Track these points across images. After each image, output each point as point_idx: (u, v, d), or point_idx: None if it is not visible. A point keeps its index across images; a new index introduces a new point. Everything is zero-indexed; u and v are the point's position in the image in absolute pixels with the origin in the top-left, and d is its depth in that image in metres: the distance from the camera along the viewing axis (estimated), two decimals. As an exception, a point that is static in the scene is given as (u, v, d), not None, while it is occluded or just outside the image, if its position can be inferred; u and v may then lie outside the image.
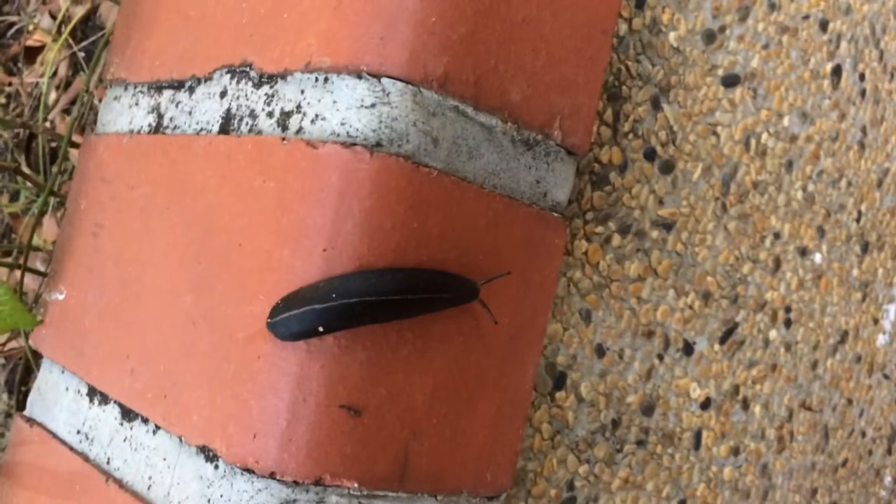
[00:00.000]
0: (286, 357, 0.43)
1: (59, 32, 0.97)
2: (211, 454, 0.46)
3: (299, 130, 0.47)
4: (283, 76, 0.48)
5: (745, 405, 0.74)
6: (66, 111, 0.95)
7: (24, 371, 0.80)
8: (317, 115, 0.46)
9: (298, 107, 0.47)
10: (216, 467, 0.45)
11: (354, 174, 0.43)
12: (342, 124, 0.45)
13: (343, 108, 0.45)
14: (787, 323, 0.77)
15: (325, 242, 0.43)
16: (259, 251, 0.45)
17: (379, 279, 0.42)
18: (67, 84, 0.97)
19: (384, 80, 0.44)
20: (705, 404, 0.71)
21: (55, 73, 0.97)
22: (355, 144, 0.44)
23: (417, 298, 0.43)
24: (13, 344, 0.87)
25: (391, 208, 0.44)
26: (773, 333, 0.75)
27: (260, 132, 0.49)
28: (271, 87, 0.49)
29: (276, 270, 0.44)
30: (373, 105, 0.44)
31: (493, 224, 0.48)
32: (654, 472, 0.67)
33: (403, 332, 0.45)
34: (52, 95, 0.97)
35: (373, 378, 0.44)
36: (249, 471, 0.43)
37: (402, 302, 0.42)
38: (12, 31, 1.10)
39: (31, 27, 1.03)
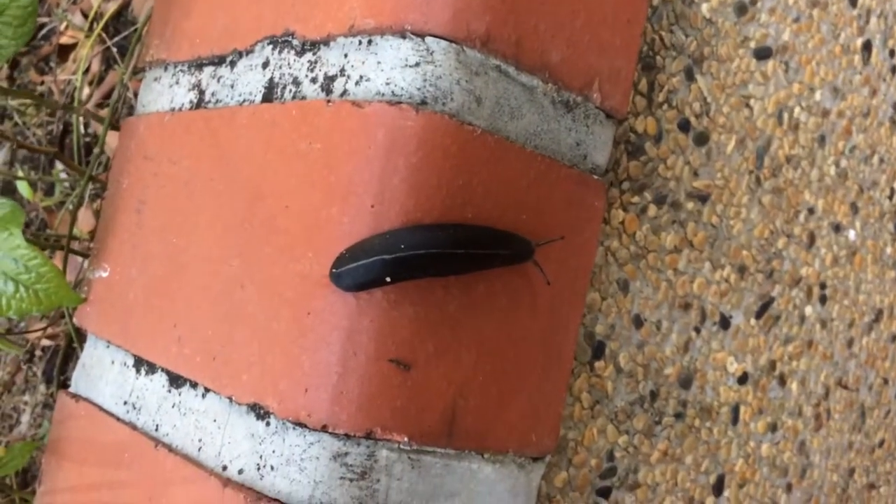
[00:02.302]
0: (336, 312, 0.44)
1: (90, 29, 0.99)
2: (262, 412, 0.46)
3: (344, 93, 0.47)
4: (326, 42, 0.49)
5: (782, 381, 0.74)
6: (100, 105, 0.97)
7: (63, 360, 0.81)
8: (361, 77, 0.47)
9: (342, 70, 0.48)
10: (267, 424, 0.46)
11: (401, 131, 0.44)
12: (387, 84, 0.46)
13: (388, 67, 0.46)
14: (823, 299, 0.77)
15: (373, 198, 0.44)
16: (307, 211, 0.46)
17: (444, 232, 0.43)
18: (100, 79, 0.98)
19: (428, 39, 0.45)
20: (742, 379, 0.70)
21: (88, 69, 0.98)
22: (401, 102, 0.45)
23: (479, 253, 0.44)
24: (51, 330, 0.89)
25: (437, 165, 0.44)
26: (808, 309, 0.75)
27: (304, 97, 0.50)
28: (314, 54, 0.50)
29: (324, 228, 0.45)
30: (417, 64, 0.45)
31: (536, 184, 0.48)
32: (692, 445, 0.67)
33: (450, 289, 0.46)
34: (86, 91, 0.99)
35: (421, 333, 0.45)
36: (301, 425, 0.44)
37: (464, 255, 0.43)
38: (43, 31, 1.12)
39: (63, 25, 1.05)
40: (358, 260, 0.42)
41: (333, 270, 0.43)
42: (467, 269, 0.44)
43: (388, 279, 0.42)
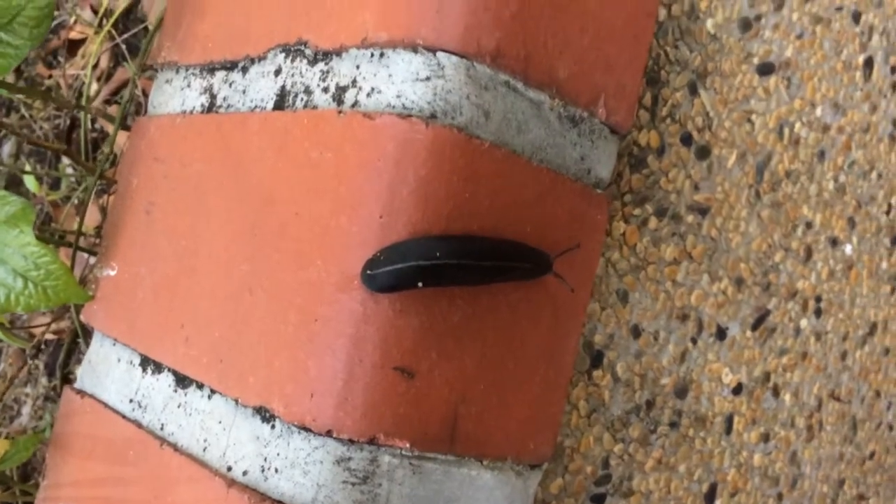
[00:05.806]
0: (343, 319, 0.45)
1: (100, 25, 1.00)
2: (267, 415, 0.47)
3: (355, 104, 0.48)
4: (339, 53, 0.50)
5: (776, 392, 0.75)
6: (108, 102, 0.98)
7: (67, 354, 0.82)
8: (372, 89, 0.48)
9: (354, 81, 0.49)
10: (272, 427, 0.47)
11: (411, 144, 0.45)
12: (398, 97, 0.47)
13: (399, 81, 0.47)
14: (818, 312, 0.78)
15: (382, 209, 0.45)
16: (316, 219, 0.47)
17: (475, 244, 0.45)
18: (109, 76, 0.99)
19: (439, 54, 0.46)
20: (737, 389, 0.71)
21: (96, 65, 0.99)
22: (411, 116, 0.46)
23: (503, 266, 0.45)
24: (55, 326, 0.89)
25: (445, 177, 0.45)
26: (803, 322, 0.76)
27: (315, 107, 0.51)
28: (326, 64, 0.51)
29: (333, 237, 0.46)
30: (428, 78, 0.46)
31: (541, 197, 0.49)
32: (686, 454, 0.68)
33: (455, 299, 0.47)
34: (94, 87, 0.99)
35: (425, 342, 0.46)
36: (306, 429, 0.45)
37: (490, 268, 0.45)
38: (52, 25, 1.13)
39: (73, 19, 1.06)
40: (394, 263, 0.43)
41: (367, 272, 0.44)
42: (489, 280, 0.46)
43: (420, 284, 0.43)
